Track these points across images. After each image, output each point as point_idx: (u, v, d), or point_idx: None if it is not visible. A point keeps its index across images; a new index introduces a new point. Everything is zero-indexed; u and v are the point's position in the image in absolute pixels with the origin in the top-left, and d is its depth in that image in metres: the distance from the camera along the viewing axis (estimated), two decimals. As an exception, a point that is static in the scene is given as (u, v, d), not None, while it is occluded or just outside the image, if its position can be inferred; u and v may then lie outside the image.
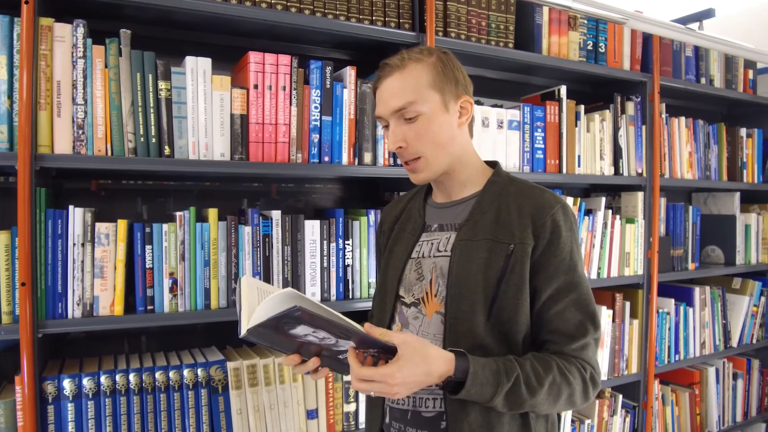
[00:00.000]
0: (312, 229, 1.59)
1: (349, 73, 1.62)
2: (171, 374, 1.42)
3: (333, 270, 1.62)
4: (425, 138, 1.06)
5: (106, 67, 1.34)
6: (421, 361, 0.92)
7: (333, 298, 1.62)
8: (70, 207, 1.32)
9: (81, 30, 1.31)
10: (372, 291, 1.67)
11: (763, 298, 2.61)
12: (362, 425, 1.66)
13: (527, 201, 1.07)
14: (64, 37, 1.30)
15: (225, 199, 1.77)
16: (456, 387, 0.97)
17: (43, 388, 1.30)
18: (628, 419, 2.22)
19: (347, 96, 1.62)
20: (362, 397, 1.66)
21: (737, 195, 2.56)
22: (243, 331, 0.93)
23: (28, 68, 1.24)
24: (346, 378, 1.63)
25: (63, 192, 1.54)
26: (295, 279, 1.57)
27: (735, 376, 2.59)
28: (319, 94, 1.58)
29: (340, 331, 0.92)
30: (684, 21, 2.27)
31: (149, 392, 1.40)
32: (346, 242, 1.64)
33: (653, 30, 1.84)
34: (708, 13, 2.26)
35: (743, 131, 2.53)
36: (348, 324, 0.91)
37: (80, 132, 1.32)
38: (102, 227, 1.35)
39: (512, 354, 1.03)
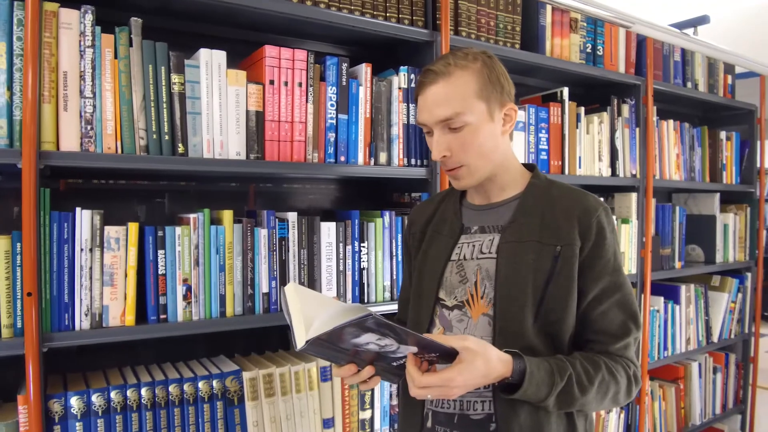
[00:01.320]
0: (328, 231, 1.53)
1: (365, 70, 1.57)
2: (186, 387, 1.33)
3: (349, 273, 1.56)
4: (470, 148, 1.05)
5: (115, 57, 1.24)
6: (482, 364, 0.92)
7: (349, 301, 1.56)
8: (77, 209, 1.22)
9: (89, 17, 1.20)
10: (387, 294, 1.62)
11: (740, 295, 2.71)
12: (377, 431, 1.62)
13: (572, 203, 1.07)
14: (71, 24, 1.19)
15: (229, 200, 1.68)
16: (511, 387, 0.97)
17: (48, 407, 1.19)
18: (622, 416, 2.25)
19: (363, 94, 1.56)
20: (377, 404, 1.61)
21: (717, 196, 2.65)
22: (301, 343, 0.88)
23: (33, 57, 1.13)
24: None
25: (62, 192, 1.42)
26: (311, 283, 1.50)
27: (715, 370, 2.69)
28: (335, 92, 1.52)
29: (403, 335, 0.89)
30: (679, 27, 2.32)
31: (162, 407, 1.31)
32: (362, 245, 1.58)
33: (658, 36, 1.87)
34: (702, 20, 2.33)
35: (723, 134, 2.63)
36: (408, 330, 0.88)
37: (88, 128, 1.21)
38: (112, 231, 1.25)
39: (559, 354, 1.04)
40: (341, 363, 0.99)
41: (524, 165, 1.18)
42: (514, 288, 1.04)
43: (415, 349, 0.92)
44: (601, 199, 1.18)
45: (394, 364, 0.98)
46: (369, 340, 0.89)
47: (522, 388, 0.94)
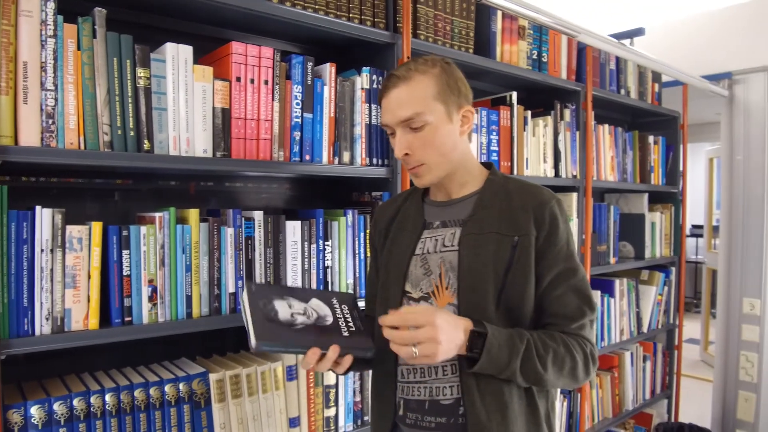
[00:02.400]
0: (293, 230, 1.53)
1: (330, 70, 1.58)
2: (152, 391, 1.29)
3: (314, 272, 1.57)
4: (429, 147, 1.12)
5: (78, 49, 1.19)
6: (446, 313, 1.01)
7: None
8: (37, 207, 1.15)
9: (51, 5, 1.15)
10: (351, 292, 1.64)
11: (665, 288, 2.93)
12: (342, 429, 1.63)
13: (528, 196, 1.15)
14: (32, 12, 1.13)
15: (187, 199, 1.64)
16: (475, 361, 1.03)
17: (7, 417, 1.13)
18: (565, 404, 2.38)
19: (327, 93, 1.57)
20: (342, 401, 1.62)
21: (646, 196, 2.84)
22: (253, 341, 0.99)
23: (-10, 46, 1.07)
24: (327, 382, 1.59)
25: (20, 189, 1.34)
26: (276, 282, 1.49)
27: (644, 359, 2.88)
28: (300, 90, 1.52)
29: (301, 293, 1.10)
30: (616, 38, 2.48)
31: (128, 413, 1.26)
32: (326, 243, 1.59)
33: (601, 45, 2.00)
34: (638, 32, 2.50)
35: (651, 138, 2.83)
36: (304, 288, 1.06)
37: (50, 122, 1.15)
38: (74, 230, 1.20)
39: None
40: (305, 350, 1.04)
41: (482, 163, 1.25)
42: (477, 278, 1.10)
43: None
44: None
45: (345, 333, 1.09)
46: (292, 310, 1.05)
47: (485, 347, 1.00)
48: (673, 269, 3.01)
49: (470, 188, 1.20)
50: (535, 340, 1.05)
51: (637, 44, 2.66)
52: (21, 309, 1.14)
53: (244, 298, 1.06)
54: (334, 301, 1.18)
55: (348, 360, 1.08)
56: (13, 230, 1.13)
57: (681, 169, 3.01)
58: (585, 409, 2.45)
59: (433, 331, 0.95)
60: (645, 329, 2.82)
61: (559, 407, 2.35)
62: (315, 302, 1.13)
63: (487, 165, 1.25)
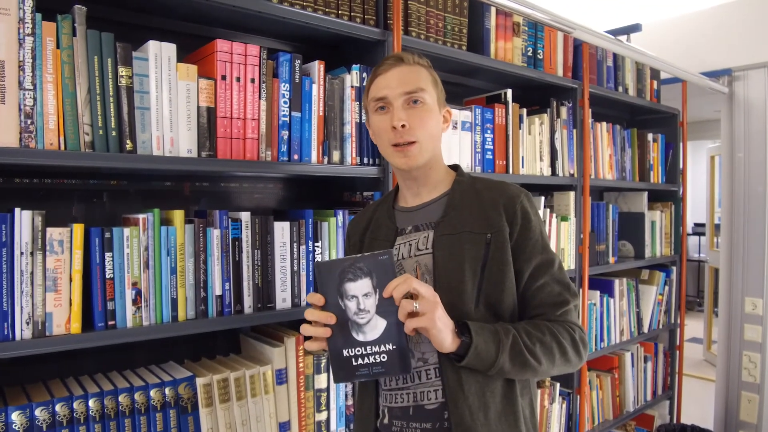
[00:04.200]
0: (282, 231, 1.50)
1: (318, 67, 1.55)
2: (136, 396, 1.27)
3: (303, 273, 1.54)
4: (425, 125, 1.13)
5: (57, 47, 1.17)
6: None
7: (304, 303, 1.54)
8: (17, 209, 1.13)
9: (29, 2, 1.12)
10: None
11: (666, 287, 2.89)
12: (334, 434, 1.60)
13: (496, 194, 1.16)
14: (9, 10, 1.11)
15: (174, 200, 1.61)
16: (462, 356, 1.02)
17: (-14, 424, 1.10)
18: (564, 405, 2.35)
19: (316, 91, 1.55)
20: (333, 405, 1.59)
21: (645, 194, 2.81)
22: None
23: (-35, 45, 1.04)
24: (318, 386, 1.56)
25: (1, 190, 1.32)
26: (265, 285, 1.47)
27: (645, 359, 2.85)
28: (288, 89, 1.50)
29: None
30: (613, 34, 2.45)
31: (112, 418, 1.24)
32: (316, 244, 1.57)
33: (596, 41, 1.97)
34: (635, 27, 2.47)
35: (650, 136, 2.79)
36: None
37: (29, 122, 1.13)
38: (54, 233, 1.17)
39: None
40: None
41: (449, 166, 1.27)
42: (453, 277, 1.09)
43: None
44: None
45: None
46: (360, 292, 0.99)
47: (473, 344, 1.00)
48: (674, 268, 2.97)
49: (440, 190, 1.20)
50: (520, 332, 1.05)
51: (635, 40, 2.63)
52: (0, 313, 1.11)
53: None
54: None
55: (321, 343, 1.04)
56: (-9, 233, 1.10)
57: (681, 167, 2.97)
58: (585, 411, 2.41)
59: (431, 306, 0.97)
60: (645, 329, 2.78)
61: (558, 409, 2.32)
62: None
63: (453, 167, 1.27)
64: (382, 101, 1.14)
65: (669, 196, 2.99)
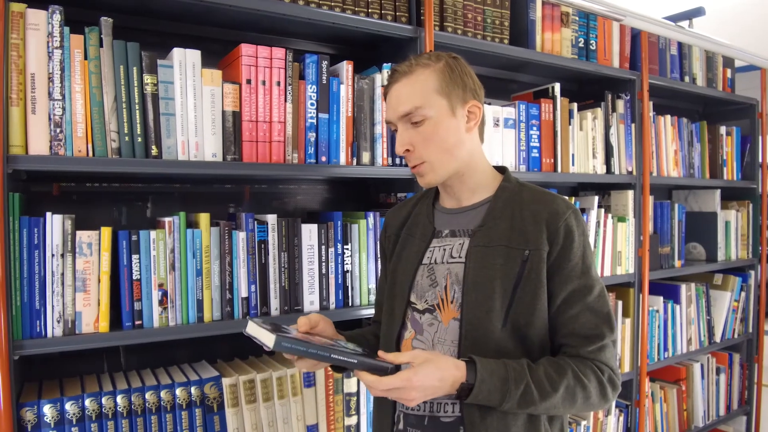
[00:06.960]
0: (309, 233, 1.50)
1: (346, 68, 1.54)
2: (162, 394, 1.31)
3: (332, 276, 1.53)
4: (431, 143, 1.06)
5: (85, 58, 1.22)
6: (434, 368, 0.93)
7: (332, 306, 1.53)
8: (48, 214, 1.19)
9: (57, 17, 1.18)
10: (372, 298, 1.59)
11: (743, 293, 2.65)
12: (364, 439, 1.58)
13: (541, 207, 1.06)
14: (39, 25, 1.17)
15: (207, 203, 1.65)
16: (468, 393, 0.96)
17: (21, 415, 1.17)
18: (621, 418, 2.21)
19: (344, 92, 1.53)
20: (363, 409, 1.57)
21: (718, 192, 2.59)
22: (272, 337, 0.93)
23: (-1, 59, 1.11)
24: (348, 390, 1.54)
25: (32, 196, 1.40)
26: (292, 287, 1.47)
27: (718, 371, 2.62)
28: (315, 90, 1.49)
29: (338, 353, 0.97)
30: (674, 19, 2.27)
31: (139, 414, 1.28)
32: (345, 247, 1.55)
33: (651, 28, 1.82)
34: (698, 12, 2.28)
35: (723, 129, 2.57)
36: (342, 355, 0.95)
37: (58, 130, 1.19)
38: (84, 236, 1.23)
39: (530, 356, 1.03)
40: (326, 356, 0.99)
41: (495, 167, 1.18)
42: (481, 293, 1.03)
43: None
44: (576, 201, 1.15)
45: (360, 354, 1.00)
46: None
47: (473, 394, 0.94)
48: (752, 273, 2.71)
49: (482, 195, 1.12)
50: (540, 379, 0.97)
51: (705, 25, 2.41)
52: (33, 312, 1.18)
53: (250, 326, 1.01)
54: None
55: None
56: (25, 236, 1.17)
57: (760, 161, 2.71)
58: (645, 425, 2.26)
59: (406, 393, 0.92)
60: (718, 338, 2.56)
61: (614, 422, 2.18)
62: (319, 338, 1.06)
63: (501, 169, 1.17)
64: (391, 124, 1.11)
65: (746, 193, 2.74)
